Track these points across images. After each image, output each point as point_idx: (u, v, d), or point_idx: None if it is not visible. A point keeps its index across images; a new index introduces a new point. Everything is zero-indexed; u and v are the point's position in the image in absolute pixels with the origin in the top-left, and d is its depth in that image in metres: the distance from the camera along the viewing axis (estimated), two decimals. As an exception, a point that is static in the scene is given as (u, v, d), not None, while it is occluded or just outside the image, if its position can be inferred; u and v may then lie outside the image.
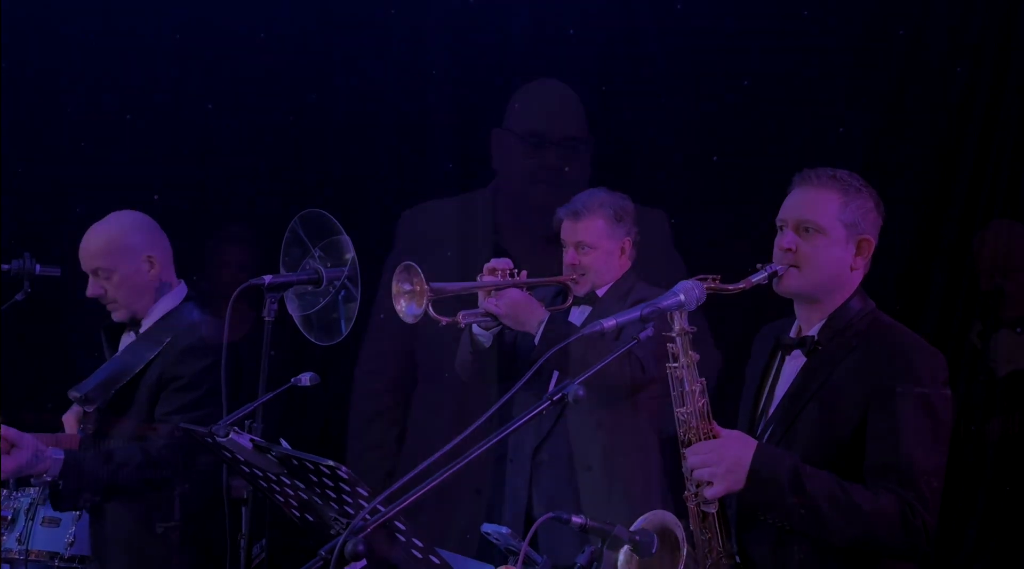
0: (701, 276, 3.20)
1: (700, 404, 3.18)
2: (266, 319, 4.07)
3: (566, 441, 4.61)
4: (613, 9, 5.63)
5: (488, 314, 4.52)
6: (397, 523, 2.92)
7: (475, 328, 4.59)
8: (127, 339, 4.42)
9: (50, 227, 5.91)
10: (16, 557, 4.55)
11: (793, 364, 3.32)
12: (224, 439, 3.40)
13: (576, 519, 3.02)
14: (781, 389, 3.32)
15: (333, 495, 3.13)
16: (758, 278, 3.24)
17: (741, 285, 3.22)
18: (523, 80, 5.73)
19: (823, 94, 5.28)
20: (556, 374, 3.04)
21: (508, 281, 4.51)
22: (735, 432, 3.19)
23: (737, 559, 3.22)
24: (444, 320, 4.40)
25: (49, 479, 4.08)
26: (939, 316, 5.05)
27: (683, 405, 3.19)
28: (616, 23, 5.60)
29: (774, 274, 3.25)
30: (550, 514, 3.02)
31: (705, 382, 3.21)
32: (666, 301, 3.15)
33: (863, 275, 3.33)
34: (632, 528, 3.07)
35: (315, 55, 6.00)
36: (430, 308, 4.33)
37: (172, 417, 4.14)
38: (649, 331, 3.14)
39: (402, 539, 2.97)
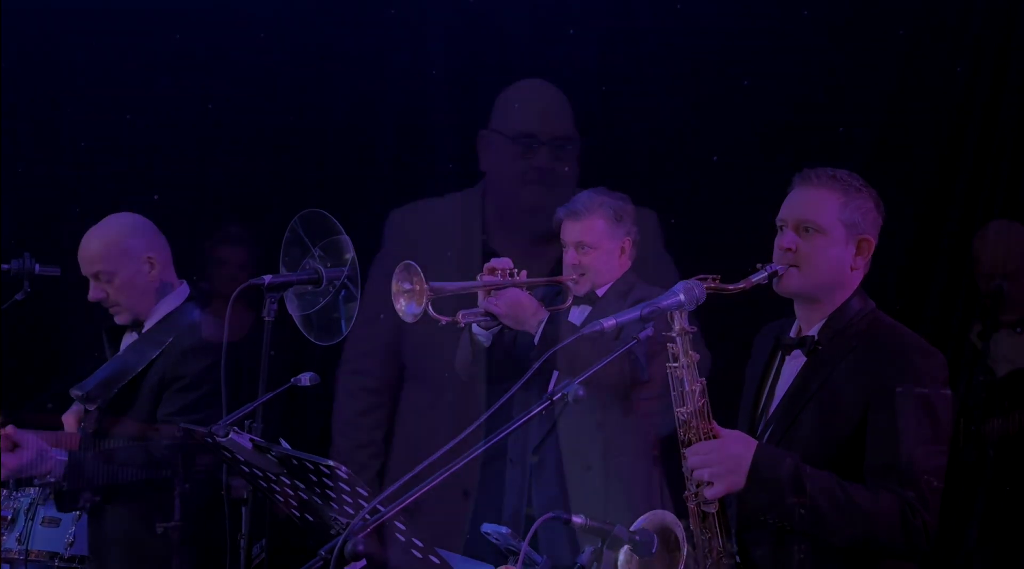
0: (701, 276, 3.19)
1: (700, 404, 3.18)
2: (266, 319, 4.08)
3: (566, 441, 4.61)
4: (613, 9, 5.62)
5: (488, 314, 4.52)
6: (397, 523, 2.92)
7: (474, 328, 4.59)
8: (129, 339, 4.43)
9: (50, 227, 5.90)
10: (16, 557, 4.55)
11: (793, 364, 3.32)
12: (224, 439, 3.41)
13: (576, 519, 3.02)
14: (781, 389, 3.32)
15: (333, 495, 3.12)
16: (758, 278, 3.24)
17: (741, 285, 3.23)
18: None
19: (823, 94, 5.27)
20: (556, 374, 3.04)
21: (508, 281, 4.51)
22: (735, 432, 3.19)
23: (737, 559, 3.22)
24: (444, 319, 4.40)
25: (52, 480, 4.09)
26: (939, 316, 5.05)
27: (683, 405, 3.20)
28: (616, 23, 5.59)
29: (774, 274, 3.25)
30: (550, 514, 3.02)
31: (705, 382, 3.21)
32: (666, 301, 3.15)
33: (863, 275, 3.33)
34: (632, 528, 3.08)
35: (315, 55, 5.99)
36: (430, 307, 4.33)
37: (174, 418, 4.15)
38: (649, 331, 3.14)
39: (402, 539, 2.97)
